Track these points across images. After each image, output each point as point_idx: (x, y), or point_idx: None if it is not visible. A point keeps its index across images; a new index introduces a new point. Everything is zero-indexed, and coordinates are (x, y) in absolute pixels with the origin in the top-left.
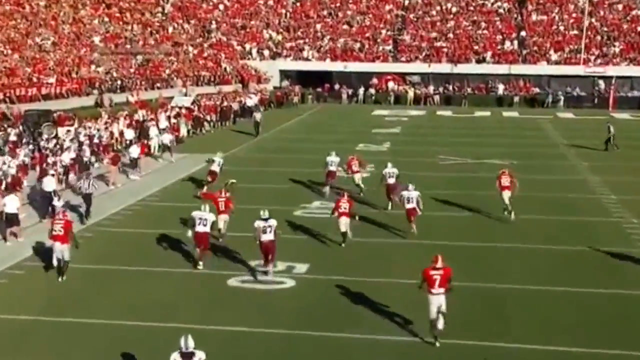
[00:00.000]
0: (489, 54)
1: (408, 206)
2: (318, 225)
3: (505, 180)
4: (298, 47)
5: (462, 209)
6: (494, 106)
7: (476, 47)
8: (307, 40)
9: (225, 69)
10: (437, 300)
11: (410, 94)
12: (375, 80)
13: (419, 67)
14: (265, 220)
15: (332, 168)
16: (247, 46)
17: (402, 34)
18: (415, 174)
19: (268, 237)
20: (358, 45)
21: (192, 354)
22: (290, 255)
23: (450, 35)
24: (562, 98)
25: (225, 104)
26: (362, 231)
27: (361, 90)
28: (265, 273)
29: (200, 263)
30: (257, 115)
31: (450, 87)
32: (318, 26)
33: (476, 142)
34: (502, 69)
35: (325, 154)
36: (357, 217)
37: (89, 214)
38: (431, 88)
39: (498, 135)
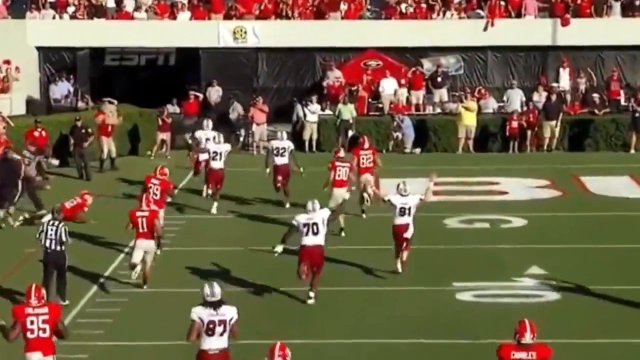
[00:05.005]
0: None
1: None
2: None
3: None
4: None
5: None
6: None
7: None
8: None
9: None
10: None
11: (469, 120)
12: (335, 74)
13: (459, 30)
14: (215, 306)
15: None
16: None
17: None
18: None
19: (216, 343)
20: None
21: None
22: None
23: None
24: None
25: None
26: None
27: (310, 111)
28: None
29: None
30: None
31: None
32: None
33: None
34: None
35: None
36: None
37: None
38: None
39: None
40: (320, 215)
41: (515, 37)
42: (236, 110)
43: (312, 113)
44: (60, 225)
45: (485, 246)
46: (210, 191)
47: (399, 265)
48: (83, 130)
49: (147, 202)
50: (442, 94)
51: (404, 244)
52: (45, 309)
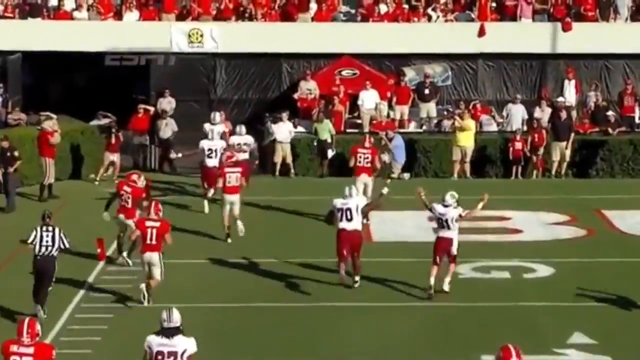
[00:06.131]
0: None
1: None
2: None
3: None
4: None
5: None
6: None
7: None
8: None
9: None
10: None
11: (465, 140)
12: (309, 85)
13: (445, 34)
14: (168, 335)
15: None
16: None
17: None
18: None
19: None
20: None
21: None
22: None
23: None
24: None
25: None
26: None
27: (278, 129)
28: None
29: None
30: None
31: None
32: None
33: None
34: None
35: None
36: None
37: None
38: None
39: None
40: (354, 201)
41: (510, 43)
42: (170, 127)
43: (280, 132)
44: (57, 230)
45: (510, 304)
46: (208, 191)
47: (446, 286)
48: (8, 154)
49: (156, 210)
50: (430, 108)
51: (449, 259)
52: (31, 350)
